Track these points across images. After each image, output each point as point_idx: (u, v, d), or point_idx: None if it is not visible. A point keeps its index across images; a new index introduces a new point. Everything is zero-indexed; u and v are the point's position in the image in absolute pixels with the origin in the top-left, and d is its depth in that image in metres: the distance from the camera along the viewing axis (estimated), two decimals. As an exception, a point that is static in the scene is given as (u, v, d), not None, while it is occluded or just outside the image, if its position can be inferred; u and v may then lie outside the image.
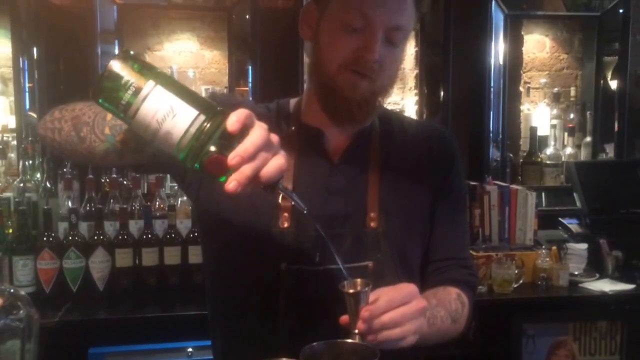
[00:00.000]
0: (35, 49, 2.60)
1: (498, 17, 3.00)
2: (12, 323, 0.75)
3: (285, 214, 1.13)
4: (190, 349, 2.05)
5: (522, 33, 3.22)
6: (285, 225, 1.13)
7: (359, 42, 1.08)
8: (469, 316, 1.22)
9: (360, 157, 1.18)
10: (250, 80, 2.86)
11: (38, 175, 2.40)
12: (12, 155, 2.66)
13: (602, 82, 3.25)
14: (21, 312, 0.76)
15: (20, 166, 2.43)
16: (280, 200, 1.13)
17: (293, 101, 1.25)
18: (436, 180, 1.22)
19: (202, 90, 3.41)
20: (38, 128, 1.09)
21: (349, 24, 1.08)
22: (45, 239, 2.11)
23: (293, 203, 1.01)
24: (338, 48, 1.10)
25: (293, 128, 1.19)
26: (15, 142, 2.68)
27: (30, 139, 2.47)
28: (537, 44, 3.34)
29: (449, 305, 1.16)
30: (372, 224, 1.14)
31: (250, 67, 2.86)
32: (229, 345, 1.24)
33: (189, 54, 3.52)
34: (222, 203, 1.13)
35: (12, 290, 0.76)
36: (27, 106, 2.63)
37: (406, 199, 1.19)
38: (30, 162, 2.41)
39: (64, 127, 1.03)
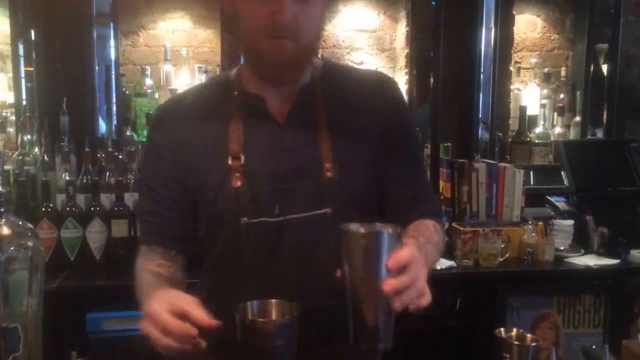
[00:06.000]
0: (32, 31, 2.61)
1: (490, -4, 2.97)
2: (20, 252, 0.79)
3: (237, 174, 1.17)
4: (182, 314, 2.12)
5: (514, 12, 3.20)
6: (238, 184, 1.17)
7: (270, 6, 1.11)
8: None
9: (307, 114, 1.22)
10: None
11: (36, 149, 2.44)
12: (11, 129, 2.71)
13: (592, 63, 3.26)
14: (29, 242, 0.80)
15: (19, 140, 2.47)
16: (230, 162, 1.18)
17: (234, 71, 1.30)
18: (385, 125, 1.26)
19: (196, 69, 3.44)
20: None
21: None
22: (43, 209, 2.16)
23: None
24: (253, 18, 1.13)
25: (236, 93, 1.24)
26: (13, 117, 2.73)
27: (28, 114, 2.52)
28: (529, 24, 3.34)
29: (432, 238, 1.22)
30: (328, 174, 1.18)
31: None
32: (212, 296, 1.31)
33: (182, 33, 3.52)
34: (181, 176, 1.22)
35: (20, 223, 0.81)
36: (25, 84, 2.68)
37: (358, 147, 1.23)
38: (29, 136, 2.45)
39: None
